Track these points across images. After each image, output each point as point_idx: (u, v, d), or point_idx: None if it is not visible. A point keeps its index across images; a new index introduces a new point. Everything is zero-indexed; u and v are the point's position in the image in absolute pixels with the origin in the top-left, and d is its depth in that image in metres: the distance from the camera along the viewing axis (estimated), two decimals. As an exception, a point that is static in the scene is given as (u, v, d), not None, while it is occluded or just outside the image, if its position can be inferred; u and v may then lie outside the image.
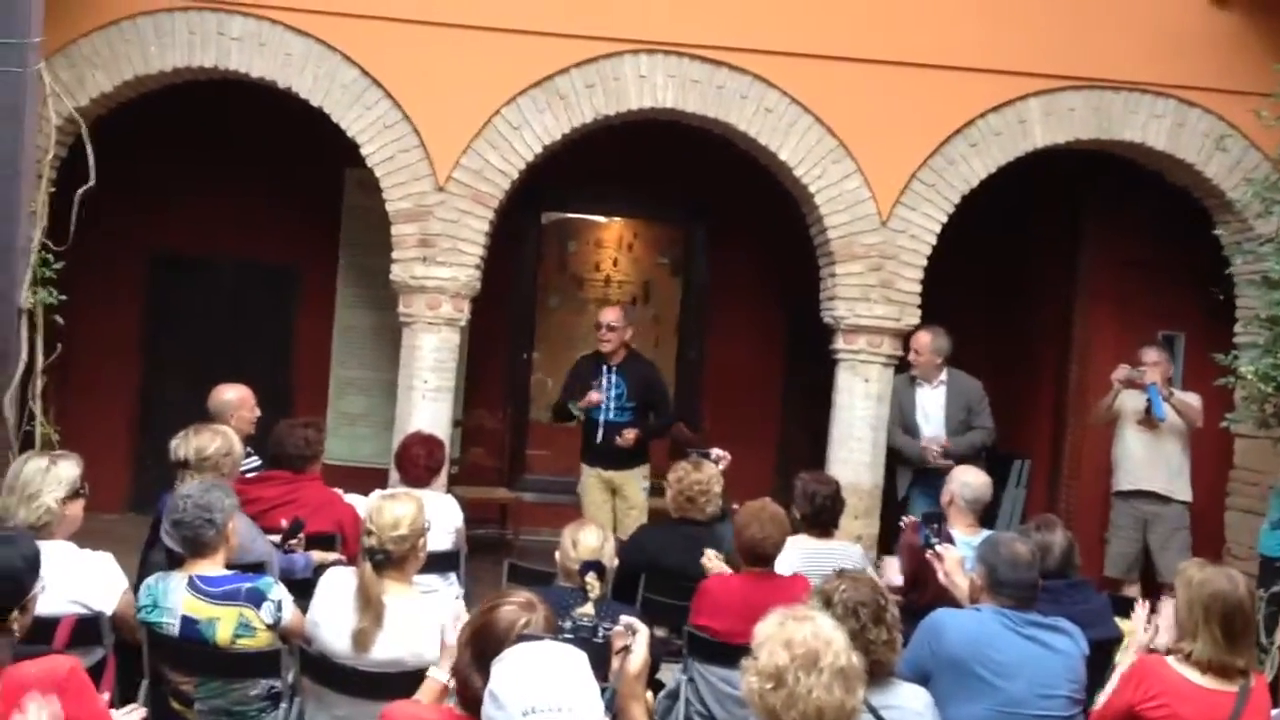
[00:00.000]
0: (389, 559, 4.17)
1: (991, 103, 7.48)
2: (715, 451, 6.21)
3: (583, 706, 2.52)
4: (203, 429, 5.22)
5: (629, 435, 7.67)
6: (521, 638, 2.84)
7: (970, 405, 7.66)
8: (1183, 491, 7.70)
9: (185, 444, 5.13)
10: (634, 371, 7.88)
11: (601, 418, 7.72)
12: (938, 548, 4.86)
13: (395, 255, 7.40)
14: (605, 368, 7.81)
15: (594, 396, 7.68)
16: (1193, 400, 7.65)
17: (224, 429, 5.33)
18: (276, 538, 5.23)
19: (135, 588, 4.46)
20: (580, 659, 2.63)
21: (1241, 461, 7.74)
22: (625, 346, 7.90)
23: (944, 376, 7.72)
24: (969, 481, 5.89)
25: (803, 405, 9.71)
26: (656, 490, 7.86)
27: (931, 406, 7.69)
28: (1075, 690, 4.11)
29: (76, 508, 4.36)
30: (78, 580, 4.17)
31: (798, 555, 5.49)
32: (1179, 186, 7.91)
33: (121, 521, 8.36)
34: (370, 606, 4.10)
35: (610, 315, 7.92)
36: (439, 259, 7.35)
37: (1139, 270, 8.78)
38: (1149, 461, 7.74)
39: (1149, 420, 7.65)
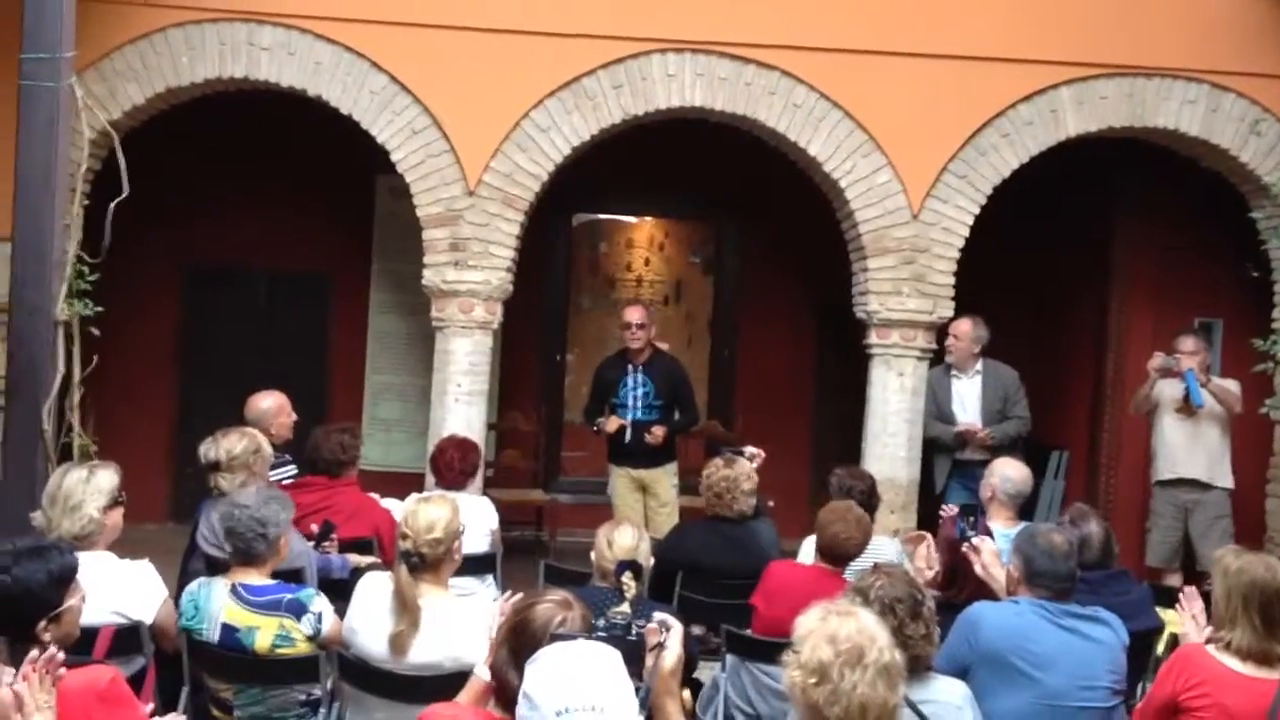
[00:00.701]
0: (424, 562, 4.18)
1: (1022, 92, 7.43)
2: (749, 449, 6.19)
3: (616, 706, 2.53)
4: (230, 431, 5.27)
5: (658, 433, 7.68)
6: (555, 636, 2.84)
7: (1007, 395, 7.65)
8: (1223, 478, 7.63)
9: (215, 446, 5.18)
10: (660, 369, 7.89)
11: (630, 417, 7.74)
12: (974, 540, 4.83)
13: (427, 260, 7.43)
14: (631, 366, 7.83)
15: (611, 425, 7.72)
16: (1231, 386, 7.59)
17: (250, 430, 5.38)
18: (311, 543, 5.26)
19: (175, 596, 4.51)
20: (614, 657, 2.63)
21: (1281, 448, 7.67)
22: (650, 344, 7.91)
23: (979, 367, 7.70)
24: (1010, 475, 5.85)
25: (837, 401, 9.69)
26: (686, 488, 7.88)
27: (968, 396, 7.67)
28: (1116, 681, 4.07)
29: (117, 516, 4.41)
30: (117, 590, 4.21)
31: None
32: (1213, 172, 7.82)
33: (162, 531, 8.45)
34: (407, 610, 4.11)
35: (635, 314, 7.92)
36: (470, 263, 7.37)
37: (1175, 257, 8.70)
38: (1188, 449, 7.68)
39: (1187, 408, 7.58)
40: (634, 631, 3.04)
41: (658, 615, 3.05)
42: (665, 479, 7.78)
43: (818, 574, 4.98)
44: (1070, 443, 9.43)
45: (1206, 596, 4.42)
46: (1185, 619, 4.39)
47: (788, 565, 5.14)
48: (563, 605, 3.11)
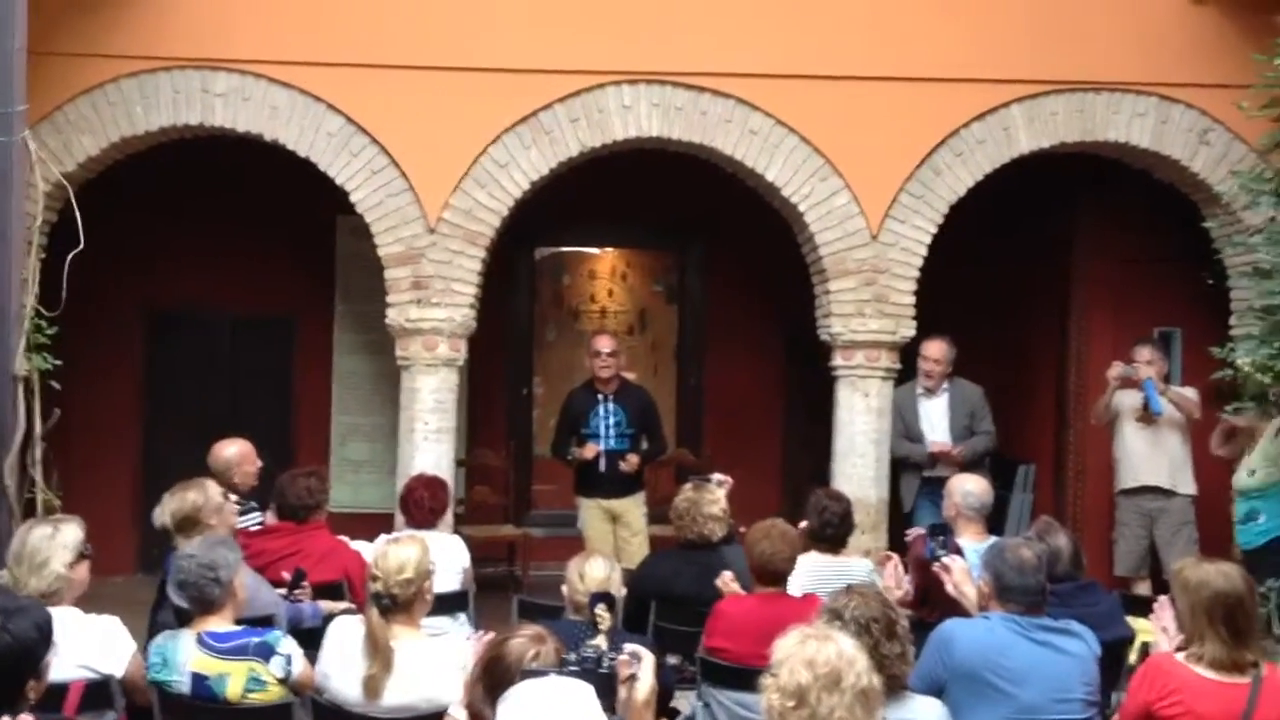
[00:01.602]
0: (395, 604, 4.16)
1: (974, 112, 7.51)
2: (717, 476, 6.20)
3: None
4: (175, 490, 5.20)
5: (633, 460, 7.73)
6: (525, 673, 2.84)
7: (973, 411, 7.76)
8: (1186, 485, 7.70)
9: (162, 512, 5.14)
10: (630, 398, 7.95)
11: (602, 446, 7.75)
12: (944, 560, 4.85)
13: (390, 299, 7.43)
14: (601, 396, 7.85)
15: (589, 451, 7.73)
16: (1189, 393, 7.68)
17: (197, 483, 5.25)
18: (283, 591, 5.23)
19: (145, 649, 4.47)
20: (585, 692, 2.63)
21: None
22: (618, 374, 7.95)
23: (946, 385, 7.78)
24: (969, 490, 5.90)
25: (805, 424, 9.71)
26: (656, 518, 7.89)
27: (936, 415, 7.76)
28: (1089, 692, 4.09)
29: (83, 570, 4.36)
30: (86, 645, 4.16)
31: (806, 572, 5.48)
32: (1166, 183, 7.92)
33: (130, 583, 8.37)
34: (379, 653, 4.09)
35: (605, 343, 7.96)
36: (433, 300, 7.37)
37: (1134, 268, 8.78)
38: (1150, 457, 7.76)
39: (1147, 416, 7.67)
40: (605, 663, 3.03)
41: (629, 647, 3.05)
42: (635, 508, 7.80)
43: (762, 600, 4.96)
44: (1037, 455, 9.49)
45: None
46: (1156, 630, 4.42)
47: (731, 600, 5.09)
48: (535, 640, 3.12)
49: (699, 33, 7.46)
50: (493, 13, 7.40)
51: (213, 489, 5.24)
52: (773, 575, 5.00)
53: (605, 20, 7.42)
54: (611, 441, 7.79)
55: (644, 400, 8.10)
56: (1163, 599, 4.52)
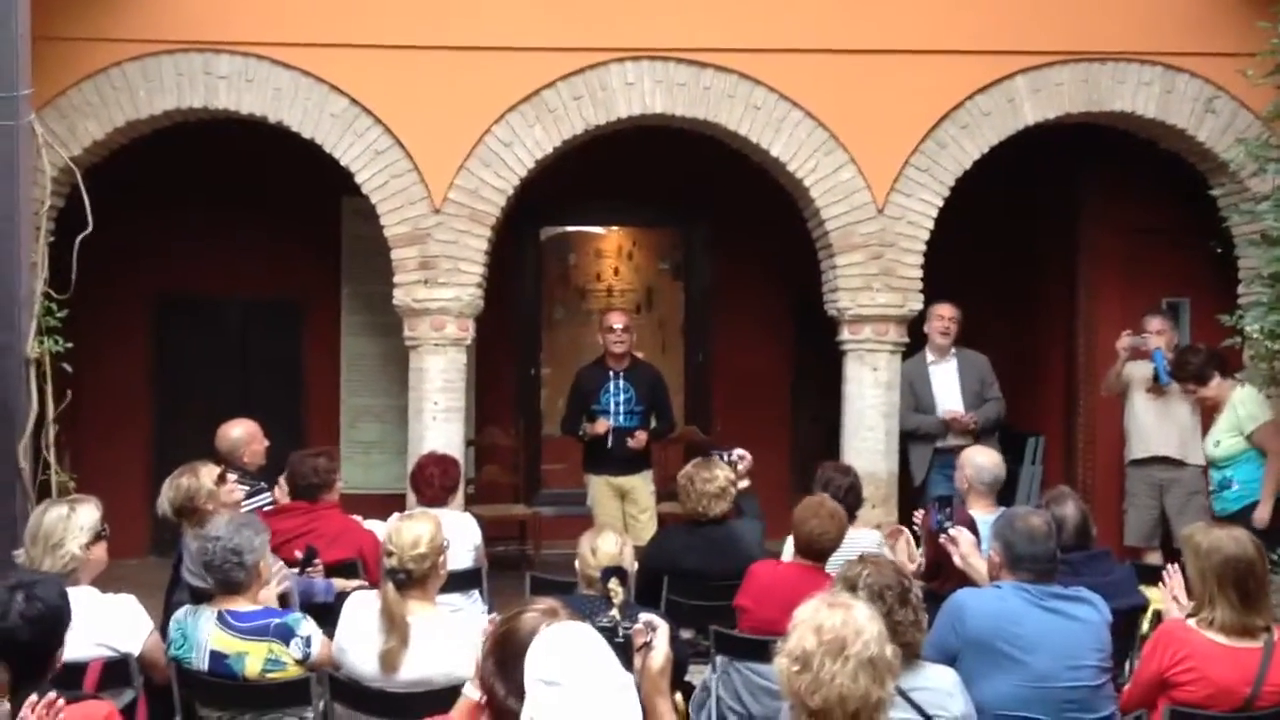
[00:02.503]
0: (410, 578, 4.19)
1: (979, 83, 7.48)
2: (737, 451, 6.19)
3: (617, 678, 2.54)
4: (172, 478, 5.21)
5: (641, 437, 7.77)
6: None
7: (983, 377, 7.82)
8: (1195, 455, 7.68)
9: (161, 502, 5.20)
10: (640, 375, 7.99)
11: (612, 423, 7.78)
12: (951, 531, 4.86)
13: (397, 280, 7.43)
14: (612, 373, 7.87)
15: (599, 426, 7.75)
16: None
17: (191, 468, 5.23)
18: (295, 570, 5.25)
19: (160, 630, 4.50)
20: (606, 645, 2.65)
21: (1254, 420, 7.73)
22: (630, 350, 7.98)
23: (953, 353, 7.82)
24: (981, 463, 5.91)
25: (814, 399, 9.74)
26: (665, 495, 7.91)
27: (947, 382, 7.80)
28: (1102, 659, 4.11)
29: (100, 551, 4.40)
30: (103, 624, 4.20)
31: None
32: (1172, 152, 7.91)
33: (143, 566, 8.40)
34: (395, 627, 4.12)
35: (617, 319, 8.01)
36: (440, 280, 7.38)
37: (1141, 238, 8.77)
38: (1159, 427, 7.75)
39: (1157, 387, 7.66)
40: (620, 634, 3.05)
41: (643, 616, 3.06)
42: (644, 485, 7.83)
43: (799, 571, 4.99)
44: (1046, 427, 9.50)
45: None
46: (1167, 597, 4.44)
47: (769, 565, 5.15)
48: (548, 613, 3.11)
49: (701, 8, 7.44)
50: (495, -8, 7.39)
51: (205, 474, 5.21)
52: (817, 553, 5.02)
53: (607, -3, 7.40)
54: (621, 418, 7.83)
55: (654, 377, 8.13)
56: (1172, 567, 4.55)
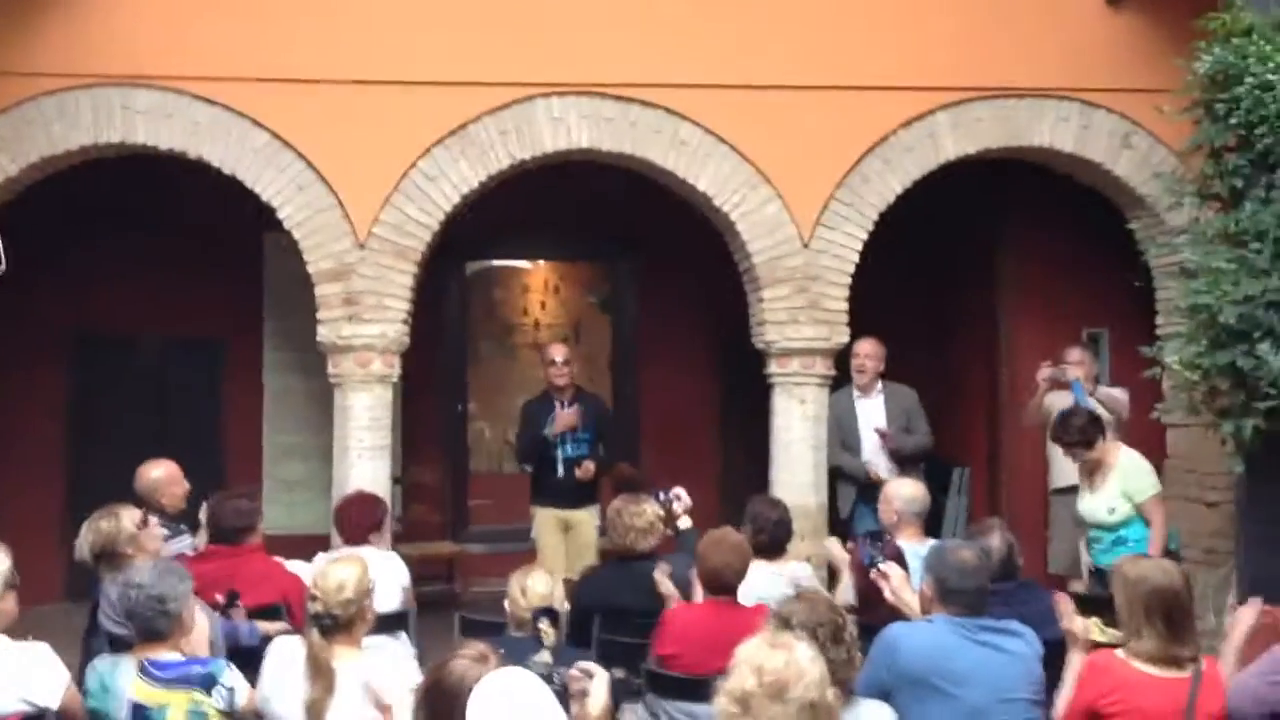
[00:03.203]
0: (336, 623, 4.11)
1: (901, 119, 7.57)
2: (674, 490, 6.15)
3: None
4: (91, 521, 5.07)
5: (589, 467, 7.74)
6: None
7: (909, 413, 7.86)
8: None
9: (80, 546, 5.04)
10: (586, 404, 7.98)
11: (559, 453, 7.74)
12: (881, 566, 4.87)
13: (320, 316, 7.33)
14: (558, 403, 7.85)
15: (569, 417, 7.73)
16: (1118, 394, 7.77)
17: (111, 511, 5.10)
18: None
19: (78, 678, 4.36)
20: (545, 691, 2.60)
21: (1174, 451, 7.84)
22: (572, 381, 8.00)
23: (880, 387, 7.86)
24: (904, 495, 5.94)
25: (742, 431, 9.73)
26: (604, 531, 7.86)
27: (873, 416, 7.82)
28: (1035, 691, 4.12)
29: (10, 601, 4.26)
30: (19, 677, 4.06)
31: (750, 579, 5.48)
32: (1089, 186, 8.04)
33: (57, 611, 8.15)
34: (321, 675, 4.02)
35: (558, 351, 8.00)
36: (365, 316, 7.30)
37: (1060, 270, 8.89)
38: (1079, 457, 7.82)
39: None
40: (556, 680, 3.00)
41: (580, 663, 3.02)
42: (589, 520, 7.78)
43: (712, 608, 4.96)
44: (970, 458, 9.58)
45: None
46: (1062, 623, 4.50)
47: (681, 609, 5.10)
48: (479, 660, 3.06)
49: (627, 44, 7.46)
50: (419, 25, 7.34)
51: (126, 517, 5.08)
52: (723, 586, 5.00)
53: (533, 32, 7.39)
54: (569, 448, 7.80)
55: (600, 406, 8.22)
56: (1060, 594, 4.65)
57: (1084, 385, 7.61)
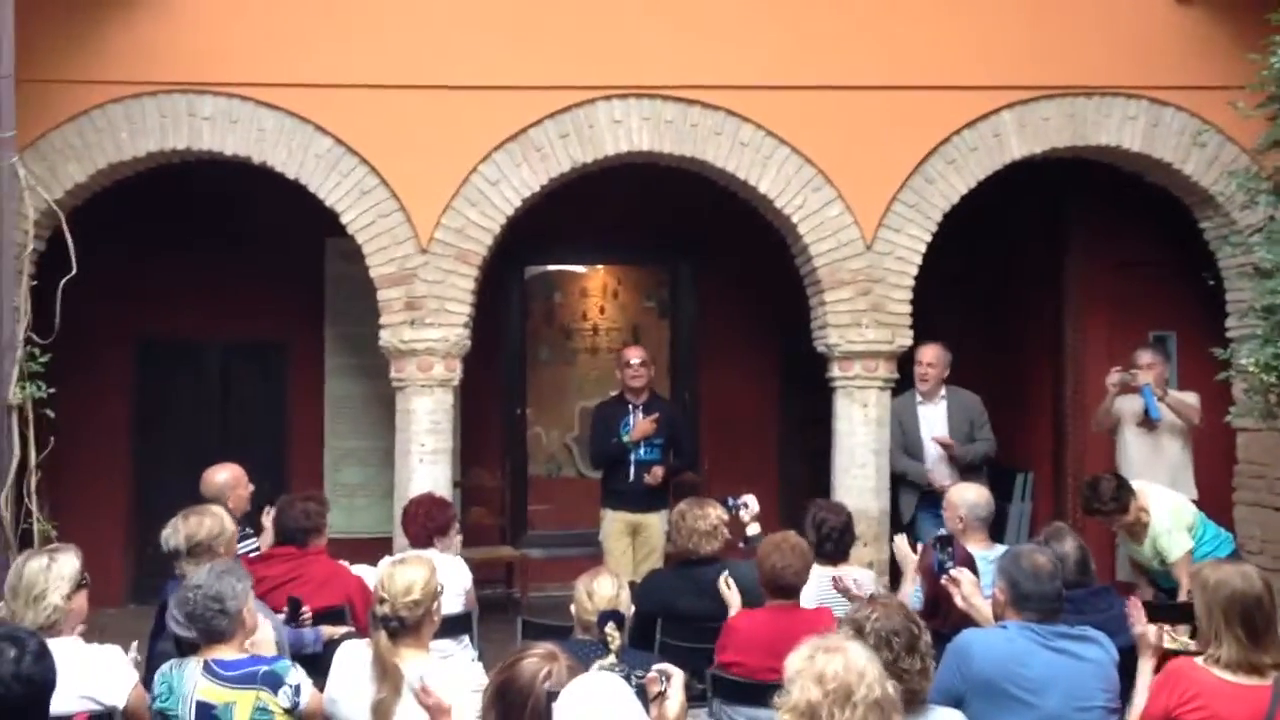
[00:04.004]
0: (404, 626, 4.09)
1: (966, 119, 7.49)
2: (745, 497, 6.10)
3: None
4: (190, 513, 5.11)
5: (658, 472, 7.70)
6: (549, 694, 2.78)
7: (973, 419, 7.74)
8: (1187, 489, 7.63)
9: (175, 534, 5.03)
10: (660, 409, 7.94)
11: (632, 456, 7.72)
12: (952, 572, 4.80)
13: (383, 320, 7.36)
14: (632, 406, 7.84)
15: (647, 425, 7.71)
16: (1189, 399, 7.63)
17: (214, 509, 5.19)
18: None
19: (145, 680, 4.39)
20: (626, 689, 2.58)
21: (1245, 455, 7.72)
22: (649, 385, 7.98)
23: (943, 392, 7.77)
24: (969, 500, 5.88)
25: (801, 436, 9.69)
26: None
27: (936, 423, 7.73)
28: (1110, 699, 4.04)
29: (81, 600, 4.30)
30: (87, 676, 4.10)
31: (812, 585, 5.44)
32: (1159, 186, 7.91)
33: (123, 614, 8.28)
34: (388, 676, 4.01)
35: (635, 354, 7.98)
36: (427, 320, 7.31)
37: (1126, 272, 8.78)
38: (1150, 462, 7.68)
39: (1147, 422, 7.63)
40: (633, 681, 2.97)
41: (657, 665, 2.99)
42: (658, 524, 7.71)
43: (773, 613, 4.94)
44: (1034, 463, 9.47)
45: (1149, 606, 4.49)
46: (1136, 630, 4.41)
47: (745, 615, 5.06)
48: (547, 658, 3.04)
49: (688, 45, 7.43)
50: (479, 30, 7.36)
51: (229, 519, 5.16)
52: (783, 589, 4.97)
53: (593, 35, 7.39)
54: (641, 452, 7.76)
55: (672, 411, 8.14)
56: (1132, 599, 4.55)
57: (1154, 390, 7.49)
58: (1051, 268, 9.34)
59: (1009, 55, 7.50)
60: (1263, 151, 6.63)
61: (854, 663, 2.72)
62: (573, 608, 4.61)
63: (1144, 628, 4.42)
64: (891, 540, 5.97)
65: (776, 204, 7.48)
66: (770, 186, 7.46)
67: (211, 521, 5.05)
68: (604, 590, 4.49)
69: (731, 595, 5.29)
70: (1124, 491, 6.38)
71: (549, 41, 7.38)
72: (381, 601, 4.12)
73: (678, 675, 2.96)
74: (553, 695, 2.81)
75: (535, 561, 9.32)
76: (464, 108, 7.29)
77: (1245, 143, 7.22)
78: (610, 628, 4.13)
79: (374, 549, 6.92)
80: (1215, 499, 7.77)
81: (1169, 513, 6.46)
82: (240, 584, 4.24)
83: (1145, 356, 7.67)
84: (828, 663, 2.71)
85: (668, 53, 7.40)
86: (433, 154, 7.28)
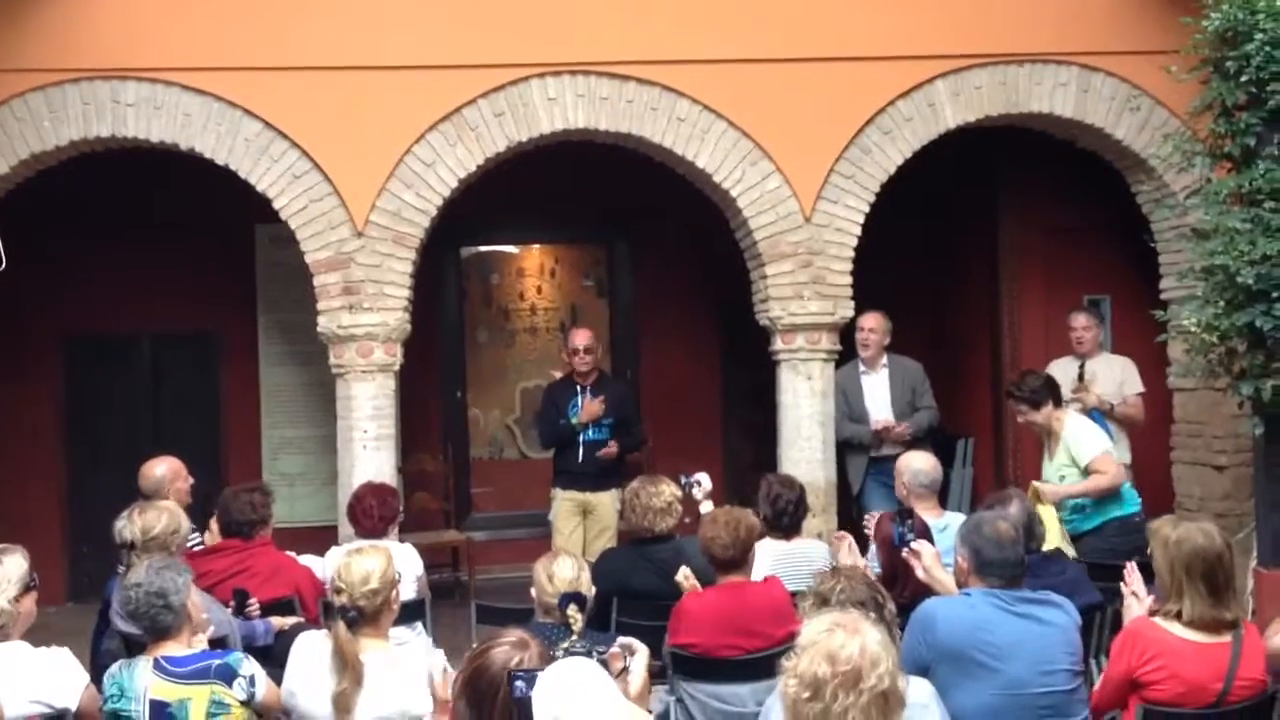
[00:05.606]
0: (362, 615, 4.04)
1: (900, 89, 7.48)
2: (697, 475, 6.08)
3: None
4: (147, 508, 5.04)
5: (612, 448, 7.69)
6: (514, 675, 2.72)
7: (915, 387, 7.78)
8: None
9: (130, 525, 4.93)
10: (609, 389, 7.93)
11: (581, 437, 7.70)
12: (913, 545, 4.80)
13: (320, 306, 7.23)
14: (580, 387, 7.80)
15: (595, 407, 7.68)
16: (1134, 405, 7.63)
17: (169, 505, 5.13)
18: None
19: (93, 680, 4.29)
20: (598, 670, 2.55)
21: (1182, 415, 7.83)
22: (596, 365, 7.97)
23: (885, 361, 7.79)
24: (918, 469, 5.89)
25: (744, 410, 9.70)
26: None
27: (878, 392, 7.75)
28: (1074, 662, 4.06)
29: (29, 602, 4.22)
30: (37, 679, 4.01)
31: (766, 558, 5.44)
32: (1090, 152, 7.98)
33: (62, 613, 8.09)
34: (348, 667, 3.95)
35: (582, 338, 7.92)
36: (366, 305, 7.20)
37: (1060, 238, 8.87)
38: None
39: (1081, 388, 7.61)
40: (594, 658, 2.94)
41: (621, 640, 2.96)
42: (609, 502, 7.67)
43: (722, 591, 4.91)
44: (975, 429, 9.55)
45: (1143, 568, 4.47)
46: (1127, 595, 4.41)
47: (693, 597, 5.00)
48: (519, 645, 3.00)
49: (621, 22, 7.34)
50: (411, 9, 7.22)
51: (184, 519, 5.10)
52: (721, 563, 4.93)
53: (526, 12, 7.28)
54: (590, 431, 7.73)
55: (620, 391, 8.14)
56: (1130, 564, 4.54)
57: (1099, 405, 7.44)
58: (986, 235, 9.42)
59: (942, 24, 7.50)
60: (1196, 115, 6.69)
61: (870, 648, 2.63)
62: (533, 590, 4.56)
63: (1135, 594, 4.38)
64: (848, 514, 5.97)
65: (715, 178, 7.44)
66: (708, 161, 7.42)
67: (168, 518, 4.97)
68: (564, 572, 4.45)
69: (691, 585, 5.24)
70: (1046, 393, 6.53)
71: (482, 19, 7.26)
72: (339, 592, 4.06)
73: (641, 650, 2.93)
74: (521, 679, 2.76)
75: (480, 544, 9.27)
76: (397, 88, 7.16)
77: (1176, 107, 7.27)
78: (572, 609, 4.12)
79: (316, 538, 6.83)
80: (1153, 459, 7.90)
81: (1089, 427, 6.59)
82: (181, 578, 4.17)
83: (1081, 319, 7.76)
84: (845, 643, 2.63)
85: (602, 29, 7.31)
86: (366, 136, 7.15)
